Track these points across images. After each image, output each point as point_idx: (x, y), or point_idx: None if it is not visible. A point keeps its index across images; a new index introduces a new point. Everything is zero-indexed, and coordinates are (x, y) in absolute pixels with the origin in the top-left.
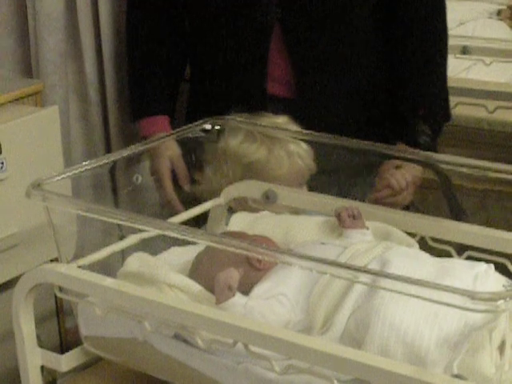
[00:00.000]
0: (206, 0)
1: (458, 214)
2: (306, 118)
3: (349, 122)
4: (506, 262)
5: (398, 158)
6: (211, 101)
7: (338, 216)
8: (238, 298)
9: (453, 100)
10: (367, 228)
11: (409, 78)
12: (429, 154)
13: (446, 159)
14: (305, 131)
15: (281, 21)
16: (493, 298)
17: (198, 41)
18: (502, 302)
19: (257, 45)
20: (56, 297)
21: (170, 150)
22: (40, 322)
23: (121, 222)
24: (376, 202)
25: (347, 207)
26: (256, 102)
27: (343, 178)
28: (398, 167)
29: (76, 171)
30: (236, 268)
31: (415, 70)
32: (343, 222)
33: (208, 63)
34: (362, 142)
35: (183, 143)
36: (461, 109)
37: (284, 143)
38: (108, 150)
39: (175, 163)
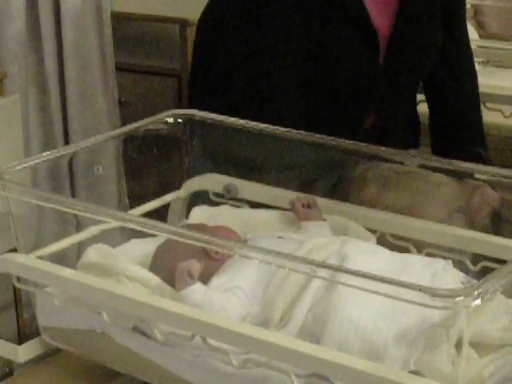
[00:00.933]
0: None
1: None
2: None
3: None
4: (465, 259)
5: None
6: None
7: (293, 207)
8: (199, 286)
9: None
10: (324, 220)
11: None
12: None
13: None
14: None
15: None
16: (451, 294)
17: None
18: (460, 298)
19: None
20: (14, 287)
21: None
22: None
23: (80, 213)
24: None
25: (301, 197)
26: None
27: (308, 174)
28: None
29: (37, 161)
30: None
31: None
32: (298, 213)
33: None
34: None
35: (145, 135)
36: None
37: None
38: (66, 141)
39: None
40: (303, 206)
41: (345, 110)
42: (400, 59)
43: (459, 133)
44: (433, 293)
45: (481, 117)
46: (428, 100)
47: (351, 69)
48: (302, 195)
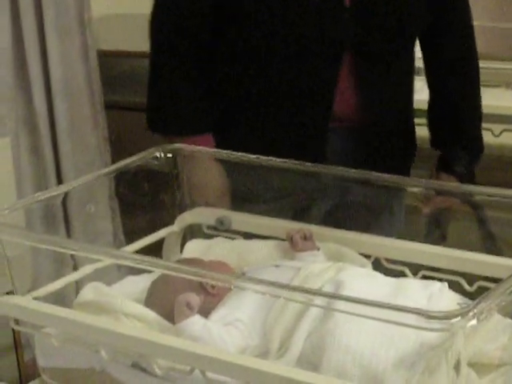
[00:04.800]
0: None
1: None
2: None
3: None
4: (461, 280)
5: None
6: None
7: (291, 239)
8: (198, 318)
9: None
10: (318, 249)
11: (454, 104)
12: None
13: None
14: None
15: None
16: (447, 316)
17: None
18: (456, 320)
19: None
20: (14, 331)
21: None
22: None
23: (74, 253)
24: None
25: (298, 229)
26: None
27: (300, 202)
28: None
29: (29, 202)
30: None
31: (459, 99)
32: (295, 245)
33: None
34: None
35: (135, 172)
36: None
37: None
38: (59, 181)
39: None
40: (300, 237)
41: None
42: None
43: (460, 116)
44: (428, 315)
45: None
46: (428, 79)
47: (317, 10)
48: (298, 227)
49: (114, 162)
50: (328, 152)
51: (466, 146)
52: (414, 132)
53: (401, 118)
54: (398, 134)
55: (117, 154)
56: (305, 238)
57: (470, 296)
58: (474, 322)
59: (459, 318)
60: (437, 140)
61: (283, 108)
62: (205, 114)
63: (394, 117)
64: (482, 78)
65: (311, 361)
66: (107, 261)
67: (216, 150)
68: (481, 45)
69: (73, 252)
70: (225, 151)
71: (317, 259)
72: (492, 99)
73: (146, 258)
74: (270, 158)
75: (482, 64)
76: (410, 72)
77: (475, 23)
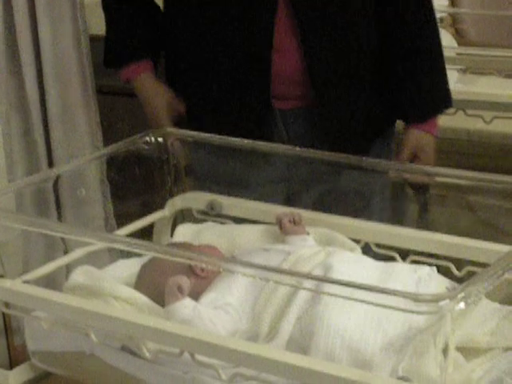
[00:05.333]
0: None
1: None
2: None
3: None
4: (450, 265)
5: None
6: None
7: (280, 222)
8: (188, 301)
9: None
10: (308, 233)
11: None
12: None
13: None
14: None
15: None
16: (435, 299)
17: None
18: (444, 303)
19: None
20: (4, 313)
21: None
22: None
23: (65, 236)
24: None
25: (287, 213)
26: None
27: (291, 188)
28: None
29: (20, 186)
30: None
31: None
32: (284, 228)
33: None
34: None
35: (126, 156)
36: None
37: None
38: (51, 166)
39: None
40: (289, 221)
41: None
42: None
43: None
44: (417, 298)
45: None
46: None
47: None
48: (287, 211)
49: (105, 146)
50: (285, 138)
51: (422, 92)
52: (377, 96)
53: (353, 80)
54: (354, 103)
55: (108, 138)
56: (294, 222)
57: (459, 281)
58: (461, 305)
59: (447, 300)
60: (392, 88)
61: (222, 65)
62: (140, 41)
63: (345, 75)
64: (474, 65)
65: (300, 344)
66: (98, 244)
67: (208, 134)
68: (473, 32)
69: (64, 235)
70: (217, 136)
71: (307, 244)
72: (483, 86)
73: (137, 241)
74: (263, 143)
75: (474, 51)
76: (361, 23)
77: (467, 10)
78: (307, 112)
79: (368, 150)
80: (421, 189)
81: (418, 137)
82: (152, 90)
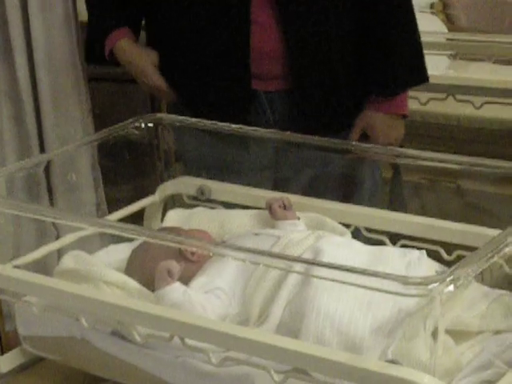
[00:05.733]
0: None
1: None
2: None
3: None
4: (440, 249)
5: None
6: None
7: (270, 208)
8: (178, 285)
9: None
10: (298, 218)
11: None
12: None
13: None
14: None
15: None
16: (424, 282)
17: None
18: (433, 286)
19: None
20: None
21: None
22: None
23: (56, 221)
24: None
25: (277, 198)
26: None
27: (280, 174)
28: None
29: (11, 170)
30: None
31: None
32: (274, 213)
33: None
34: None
35: (116, 142)
36: None
37: None
38: (42, 152)
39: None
40: (279, 206)
41: None
42: None
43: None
44: (406, 281)
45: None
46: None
47: None
48: (277, 196)
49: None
50: (271, 122)
51: (394, 64)
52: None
53: (332, 58)
54: (332, 83)
55: (99, 125)
56: (284, 207)
57: (449, 265)
58: (451, 287)
59: (437, 283)
60: (367, 63)
61: (202, 42)
62: (118, 13)
63: (323, 53)
64: (465, 51)
65: (291, 328)
66: (89, 229)
67: (198, 120)
68: (463, 18)
69: (54, 220)
70: (209, 122)
71: (297, 228)
72: (474, 72)
73: (127, 226)
74: (252, 128)
75: (465, 37)
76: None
77: None
78: (290, 94)
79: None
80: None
81: (369, 116)
82: (135, 52)
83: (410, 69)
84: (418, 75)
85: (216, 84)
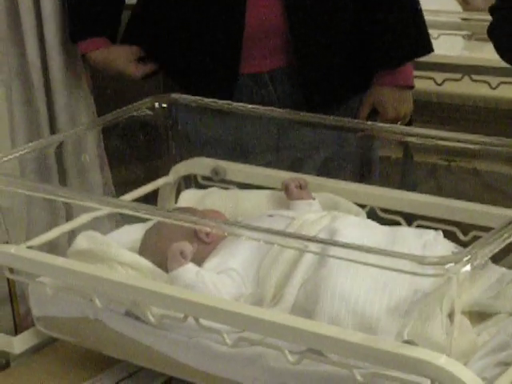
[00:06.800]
0: None
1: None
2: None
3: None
4: (456, 229)
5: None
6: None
7: (286, 188)
8: (191, 266)
9: None
10: (313, 199)
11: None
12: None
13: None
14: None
15: None
16: (441, 262)
17: None
18: (450, 265)
19: None
20: (8, 281)
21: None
22: None
23: (69, 201)
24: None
25: (294, 178)
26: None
27: (295, 154)
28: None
29: (22, 152)
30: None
31: None
32: (291, 194)
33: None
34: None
35: (130, 122)
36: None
37: None
38: (53, 133)
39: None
40: (296, 187)
41: None
42: None
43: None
44: (422, 261)
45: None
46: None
47: None
48: (293, 177)
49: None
50: (274, 99)
51: (395, 35)
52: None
53: (333, 33)
54: (334, 59)
55: (113, 106)
56: (300, 187)
57: (465, 246)
58: (467, 267)
59: (453, 263)
60: (368, 35)
61: (196, 17)
62: (100, 17)
63: (325, 29)
64: (480, 30)
65: (305, 309)
66: (102, 209)
67: (212, 100)
68: None
69: (68, 200)
70: (224, 102)
71: (312, 209)
72: (489, 52)
73: (141, 206)
74: (269, 108)
75: (481, 17)
76: None
77: None
78: (293, 70)
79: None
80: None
81: (376, 91)
82: (113, 53)
83: (413, 39)
84: (422, 46)
85: (204, 65)
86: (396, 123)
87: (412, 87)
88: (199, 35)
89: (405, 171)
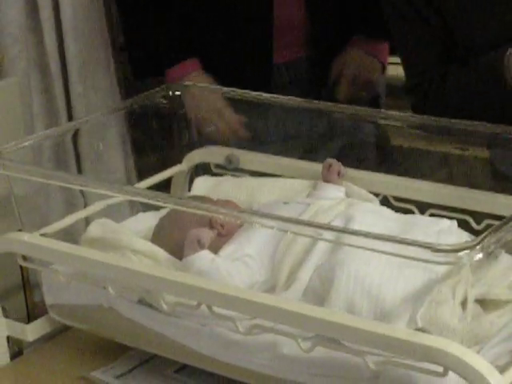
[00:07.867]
0: None
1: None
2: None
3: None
4: (469, 218)
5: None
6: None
7: (329, 166)
8: (207, 253)
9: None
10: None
11: None
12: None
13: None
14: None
15: None
16: (454, 249)
17: None
18: (463, 253)
19: None
20: (22, 268)
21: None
22: (6, 294)
23: (84, 188)
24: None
25: (339, 164)
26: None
27: (310, 143)
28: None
29: (36, 139)
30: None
31: None
32: (329, 174)
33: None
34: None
35: (143, 110)
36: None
37: None
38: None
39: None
40: (336, 171)
41: None
42: None
43: None
44: (436, 248)
45: None
46: None
47: None
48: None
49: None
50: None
51: None
52: None
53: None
54: None
55: (129, 93)
56: (339, 173)
57: (478, 234)
58: (480, 255)
59: (466, 251)
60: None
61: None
62: (180, 40)
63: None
64: None
65: (318, 293)
66: (117, 197)
67: (229, 89)
68: None
69: (82, 187)
70: (240, 90)
71: (339, 195)
72: None
73: (155, 193)
74: (285, 97)
75: None
76: None
77: None
78: (307, 59)
79: None
80: None
81: (348, 53)
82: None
83: None
84: None
85: (238, 58)
86: (358, 91)
87: (383, 64)
88: (233, 32)
89: (417, 160)
